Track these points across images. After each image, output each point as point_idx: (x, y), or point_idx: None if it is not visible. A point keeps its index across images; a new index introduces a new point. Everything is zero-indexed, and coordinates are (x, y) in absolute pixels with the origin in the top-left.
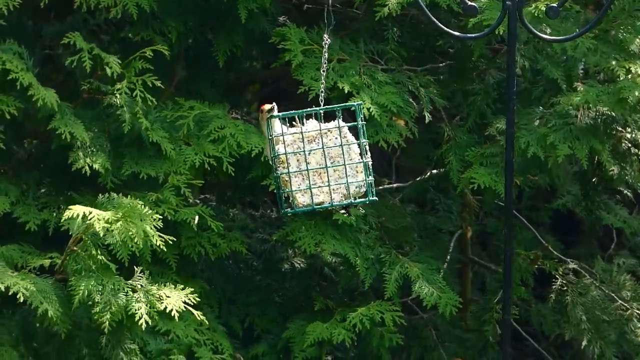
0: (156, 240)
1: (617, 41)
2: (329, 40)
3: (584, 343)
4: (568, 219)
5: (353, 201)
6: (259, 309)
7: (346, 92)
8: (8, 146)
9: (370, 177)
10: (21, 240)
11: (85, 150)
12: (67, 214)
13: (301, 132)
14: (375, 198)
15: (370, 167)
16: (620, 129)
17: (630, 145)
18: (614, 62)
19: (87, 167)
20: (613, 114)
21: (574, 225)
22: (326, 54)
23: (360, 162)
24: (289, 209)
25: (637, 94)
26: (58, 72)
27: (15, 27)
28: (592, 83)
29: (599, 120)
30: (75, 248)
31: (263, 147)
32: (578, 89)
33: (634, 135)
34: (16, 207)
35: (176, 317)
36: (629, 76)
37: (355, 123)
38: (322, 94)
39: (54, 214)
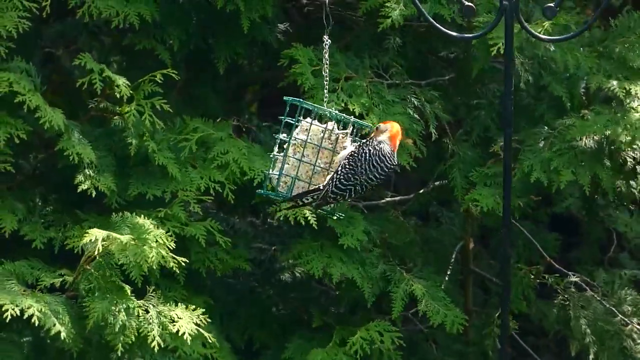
0: (170, 263)
1: (621, 59)
2: (329, 40)
3: (591, 357)
4: (568, 221)
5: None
6: (258, 321)
7: (357, 114)
8: (15, 160)
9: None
10: (29, 256)
11: (91, 170)
12: (86, 238)
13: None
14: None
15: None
16: (625, 148)
17: (635, 163)
18: (615, 82)
19: (92, 189)
20: (620, 139)
21: (574, 227)
22: (327, 54)
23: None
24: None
25: None
26: (58, 72)
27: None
28: (598, 109)
29: (604, 143)
30: (88, 267)
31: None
32: (585, 117)
33: (638, 154)
34: (23, 224)
35: (188, 340)
36: (628, 100)
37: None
38: (326, 91)
39: (60, 233)
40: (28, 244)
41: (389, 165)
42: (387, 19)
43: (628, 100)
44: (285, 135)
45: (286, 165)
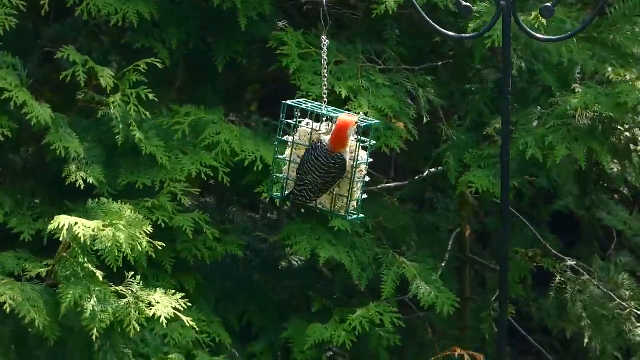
0: (144, 245)
1: (616, 46)
2: (327, 41)
3: (586, 340)
4: (568, 219)
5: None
6: (257, 306)
7: (344, 97)
8: (5, 154)
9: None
10: (18, 249)
11: (80, 162)
12: (53, 224)
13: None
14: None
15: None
16: (619, 127)
17: (629, 143)
18: (610, 69)
19: (81, 181)
20: (611, 114)
21: (574, 225)
22: (325, 55)
23: None
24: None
25: (635, 96)
26: (58, 71)
27: (14, 27)
28: (590, 84)
29: (597, 120)
30: (64, 254)
31: (257, 156)
32: (576, 90)
33: (633, 133)
34: (10, 217)
35: (164, 323)
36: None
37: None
38: (325, 96)
39: (49, 224)
40: (16, 238)
41: (324, 163)
42: (381, 6)
43: (620, 79)
44: (286, 137)
45: (285, 167)
